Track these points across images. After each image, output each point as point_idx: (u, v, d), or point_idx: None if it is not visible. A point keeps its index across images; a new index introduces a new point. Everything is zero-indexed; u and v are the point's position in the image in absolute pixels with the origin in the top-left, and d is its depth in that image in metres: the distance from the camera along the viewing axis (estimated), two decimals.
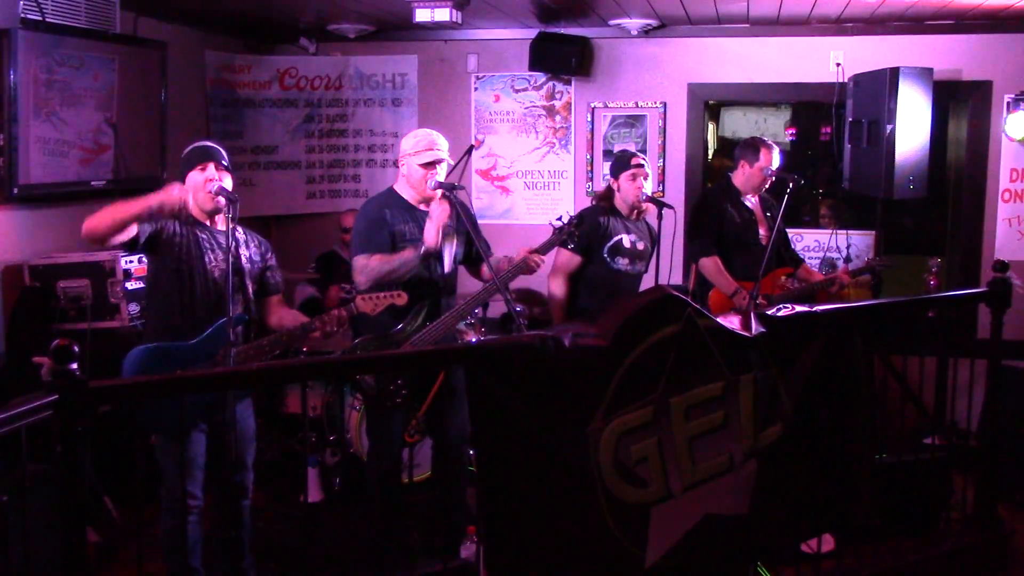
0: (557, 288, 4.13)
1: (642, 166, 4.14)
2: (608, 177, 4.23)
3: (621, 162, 4.19)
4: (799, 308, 3.04)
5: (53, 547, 2.93)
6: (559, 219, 3.76)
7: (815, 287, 4.56)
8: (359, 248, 3.60)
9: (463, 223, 3.70)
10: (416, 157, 3.59)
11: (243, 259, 3.29)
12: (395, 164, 6.05)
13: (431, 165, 3.58)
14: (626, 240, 4.13)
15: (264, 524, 4.09)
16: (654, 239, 4.23)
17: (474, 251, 3.80)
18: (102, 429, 3.91)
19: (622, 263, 4.12)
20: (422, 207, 3.66)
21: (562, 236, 3.73)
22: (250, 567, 3.45)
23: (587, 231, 4.01)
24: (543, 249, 3.69)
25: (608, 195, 4.22)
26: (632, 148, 5.71)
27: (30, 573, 2.78)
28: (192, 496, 3.22)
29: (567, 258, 4.10)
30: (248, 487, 3.42)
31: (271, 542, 3.95)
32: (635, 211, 4.19)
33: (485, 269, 3.76)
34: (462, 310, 3.66)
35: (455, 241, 3.73)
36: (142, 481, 3.87)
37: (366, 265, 3.53)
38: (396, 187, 3.73)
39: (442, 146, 3.63)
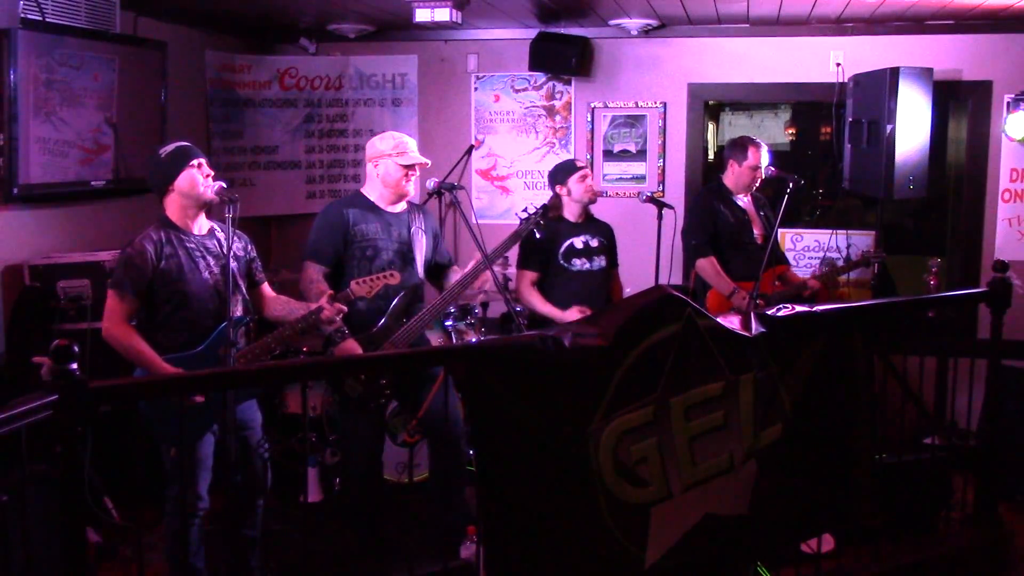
0: (536, 301, 4.17)
1: (587, 166, 4.37)
2: (555, 187, 4.31)
3: (566, 169, 4.31)
4: (799, 308, 3.04)
5: (53, 547, 2.94)
6: (524, 210, 3.82)
7: (794, 290, 4.54)
8: (309, 253, 3.69)
9: (431, 223, 3.86)
10: (399, 158, 3.66)
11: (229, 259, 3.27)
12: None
13: (412, 167, 3.67)
14: (577, 241, 4.22)
15: (264, 524, 4.09)
16: (609, 234, 4.38)
17: (435, 260, 3.92)
18: (102, 429, 3.91)
19: (579, 263, 4.20)
20: (389, 209, 3.73)
21: (529, 225, 3.77)
22: (257, 566, 3.45)
23: (537, 245, 4.10)
24: (513, 240, 3.73)
25: (556, 205, 4.25)
26: (632, 148, 5.74)
27: (30, 573, 2.78)
28: (200, 497, 3.22)
29: (521, 276, 4.19)
30: (266, 485, 3.43)
31: (271, 542, 3.95)
32: (583, 213, 4.29)
33: (449, 277, 3.89)
34: (437, 307, 3.70)
35: (425, 239, 3.80)
36: (142, 481, 3.87)
37: (310, 281, 3.60)
38: (363, 190, 3.79)
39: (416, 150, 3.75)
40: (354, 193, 3.84)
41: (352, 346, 3.53)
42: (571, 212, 4.27)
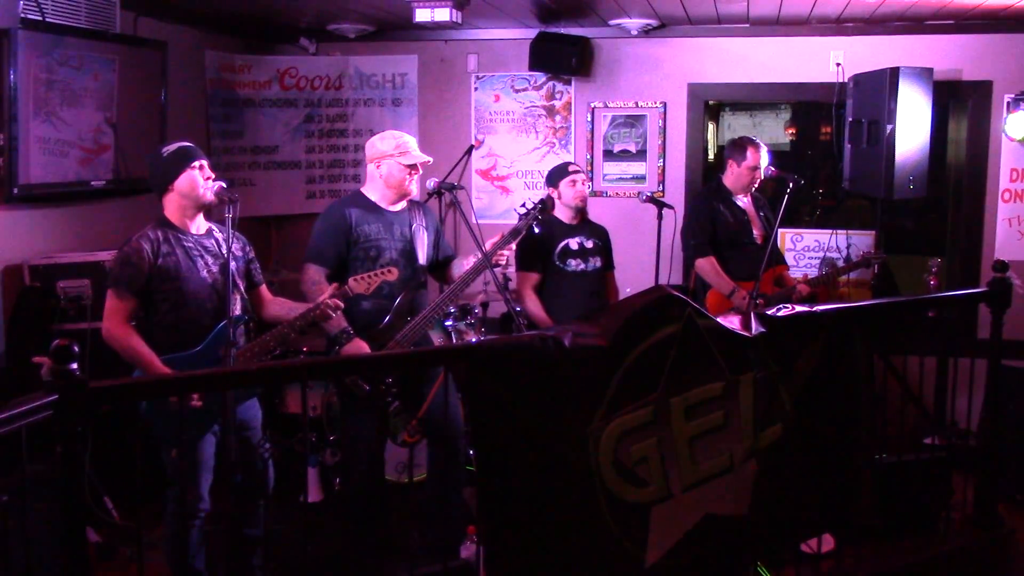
0: (533, 306, 4.18)
1: (579, 171, 4.34)
2: (549, 188, 4.35)
3: (558, 172, 4.34)
4: (799, 308, 3.04)
5: (53, 547, 2.95)
6: (523, 206, 3.82)
7: (786, 293, 4.54)
8: (310, 255, 3.68)
9: (432, 219, 3.86)
10: (402, 158, 3.66)
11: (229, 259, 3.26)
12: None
13: (415, 166, 3.67)
14: (573, 243, 4.24)
15: (264, 523, 4.09)
16: (604, 236, 4.41)
17: (437, 256, 3.93)
18: (102, 429, 3.91)
19: (574, 264, 4.22)
20: (391, 209, 3.73)
21: (528, 220, 3.77)
22: (259, 565, 3.44)
23: (536, 246, 4.11)
24: (512, 236, 3.72)
25: (548, 205, 4.25)
26: (632, 148, 5.74)
27: (30, 573, 2.78)
28: (200, 498, 3.21)
29: (523, 278, 4.21)
30: (268, 485, 3.42)
31: (271, 542, 3.95)
32: (577, 216, 4.32)
33: (452, 270, 3.90)
34: (439, 305, 3.70)
35: (427, 236, 3.81)
36: (142, 481, 3.87)
37: (312, 282, 3.59)
38: (364, 189, 3.78)
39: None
40: (354, 193, 3.83)
41: (358, 347, 3.53)
42: (564, 215, 4.29)
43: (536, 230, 3.86)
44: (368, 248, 3.64)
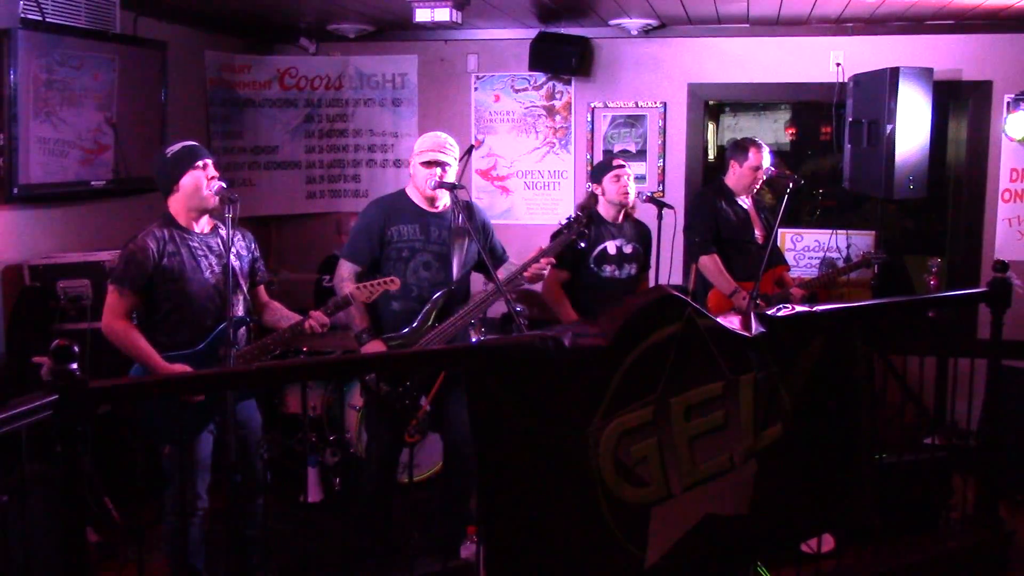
0: (563, 306, 4.10)
1: (623, 166, 4.20)
2: (590, 184, 4.25)
3: (602, 166, 4.27)
4: (799, 308, 3.04)
5: (53, 547, 2.94)
6: (568, 218, 3.73)
7: (784, 294, 4.53)
8: (347, 250, 3.69)
9: (475, 226, 3.70)
10: (419, 156, 3.62)
11: (233, 257, 3.26)
12: (395, 164, 6.05)
13: (430, 164, 3.59)
14: (611, 247, 4.15)
15: (264, 523, 4.08)
16: (646, 239, 4.30)
17: (482, 260, 3.80)
18: (102, 429, 3.91)
19: (609, 270, 4.16)
20: (430, 210, 3.68)
21: (571, 234, 3.68)
22: (259, 564, 3.44)
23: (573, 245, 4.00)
24: (554, 249, 3.66)
25: (591, 203, 4.21)
26: (632, 148, 5.74)
27: (30, 573, 2.78)
28: (198, 497, 3.21)
29: (553, 275, 4.04)
30: (264, 485, 3.42)
31: (271, 542, 3.95)
32: (621, 213, 4.22)
33: (501, 273, 3.77)
34: (469, 312, 3.66)
35: (465, 245, 3.72)
36: (142, 481, 3.87)
37: (340, 279, 3.62)
38: (407, 189, 3.76)
39: (448, 148, 3.64)
40: (398, 191, 3.79)
41: (375, 347, 3.53)
42: (607, 212, 4.19)
43: (581, 245, 3.78)
44: (400, 249, 3.61)
